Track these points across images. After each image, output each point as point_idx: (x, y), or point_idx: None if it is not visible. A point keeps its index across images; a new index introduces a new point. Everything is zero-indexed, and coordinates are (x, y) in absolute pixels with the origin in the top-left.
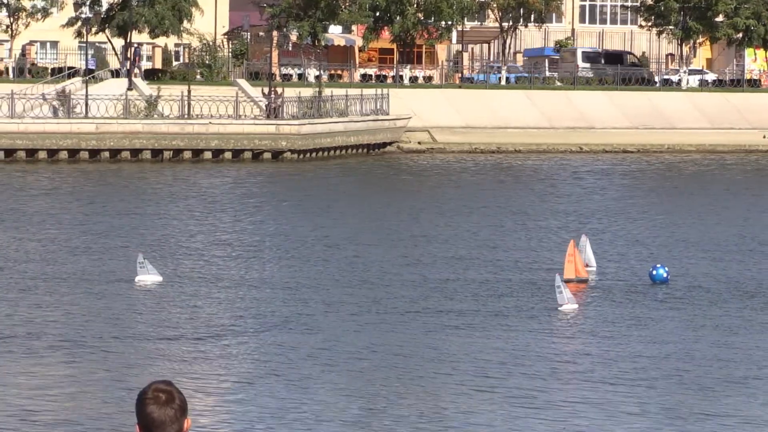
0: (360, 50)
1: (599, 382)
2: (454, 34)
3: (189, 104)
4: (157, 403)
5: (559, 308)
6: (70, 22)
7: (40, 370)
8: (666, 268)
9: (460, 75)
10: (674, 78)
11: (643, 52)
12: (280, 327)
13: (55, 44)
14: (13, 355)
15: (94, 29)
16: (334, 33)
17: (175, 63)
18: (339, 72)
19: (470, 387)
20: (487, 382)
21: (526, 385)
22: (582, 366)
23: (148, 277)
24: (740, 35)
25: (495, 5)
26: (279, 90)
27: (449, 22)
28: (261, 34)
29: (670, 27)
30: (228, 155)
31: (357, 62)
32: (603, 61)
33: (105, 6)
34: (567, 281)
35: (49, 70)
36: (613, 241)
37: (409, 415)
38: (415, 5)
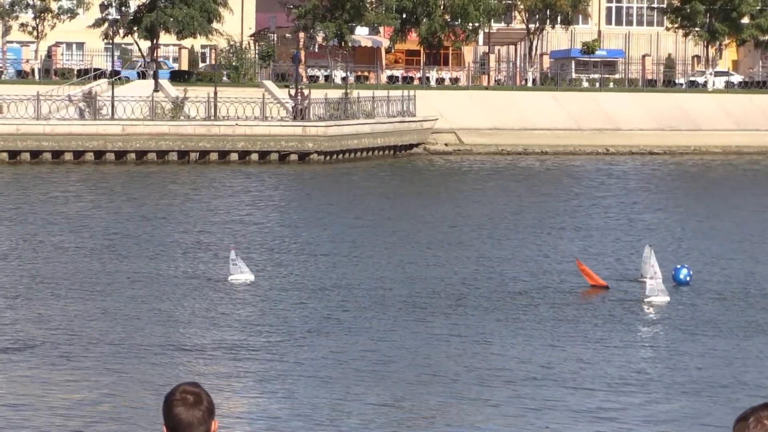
0: (387, 51)
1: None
2: (481, 36)
3: (215, 106)
4: (185, 405)
5: (647, 299)
6: (97, 24)
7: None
8: (688, 269)
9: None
10: (700, 80)
11: (669, 54)
12: (346, 330)
13: (81, 45)
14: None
15: (121, 31)
16: (361, 34)
17: (201, 65)
18: (365, 73)
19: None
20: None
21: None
22: (654, 373)
23: (241, 276)
24: (766, 37)
25: (522, 7)
26: (305, 91)
27: (476, 24)
28: (287, 35)
29: (696, 29)
30: (254, 157)
31: (383, 64)
32: None
33: (132, 7)
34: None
35: (75, 72)
36: (643, 245)
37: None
38: (442, 7)
